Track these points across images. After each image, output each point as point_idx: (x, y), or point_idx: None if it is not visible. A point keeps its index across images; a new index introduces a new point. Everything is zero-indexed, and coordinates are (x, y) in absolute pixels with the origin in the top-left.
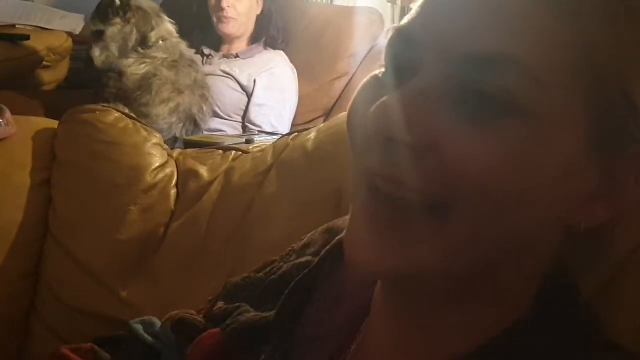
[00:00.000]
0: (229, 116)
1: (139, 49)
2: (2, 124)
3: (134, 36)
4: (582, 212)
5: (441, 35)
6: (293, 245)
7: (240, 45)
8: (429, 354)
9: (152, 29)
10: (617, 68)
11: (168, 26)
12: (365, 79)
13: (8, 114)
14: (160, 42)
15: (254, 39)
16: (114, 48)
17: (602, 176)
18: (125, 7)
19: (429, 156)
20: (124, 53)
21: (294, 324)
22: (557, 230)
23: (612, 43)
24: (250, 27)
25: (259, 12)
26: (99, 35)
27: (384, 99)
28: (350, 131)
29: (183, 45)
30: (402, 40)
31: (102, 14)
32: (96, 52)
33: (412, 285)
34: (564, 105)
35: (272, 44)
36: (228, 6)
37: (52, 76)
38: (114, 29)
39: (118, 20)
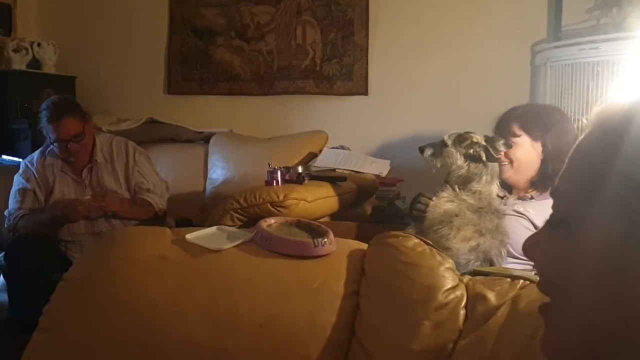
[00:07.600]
0: (521, 254)
1: (456, 187)
2: (327, 242)
3: (459, 174)
4: None
5: None
6: None
7: (530, 189)
8: None
9: (478, 182)
10: None
11: (494, 189)
12: None
13: (331, 236)
14: (477, 194)
15: (537, 184)
16: (440, 163)
17: None
18: (478, 153)
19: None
20: (442, 175)
21: None
22: None
23: None
24: (529, 174)
25: (538, 162)
26: (442, 145)
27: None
28: None
29: (495, 201)
30: None
31: (462, 138)
32: (428, 151)
33: None
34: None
35: None
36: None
37: (361, 211)
38: (453, 152)
39: (464, 152)
